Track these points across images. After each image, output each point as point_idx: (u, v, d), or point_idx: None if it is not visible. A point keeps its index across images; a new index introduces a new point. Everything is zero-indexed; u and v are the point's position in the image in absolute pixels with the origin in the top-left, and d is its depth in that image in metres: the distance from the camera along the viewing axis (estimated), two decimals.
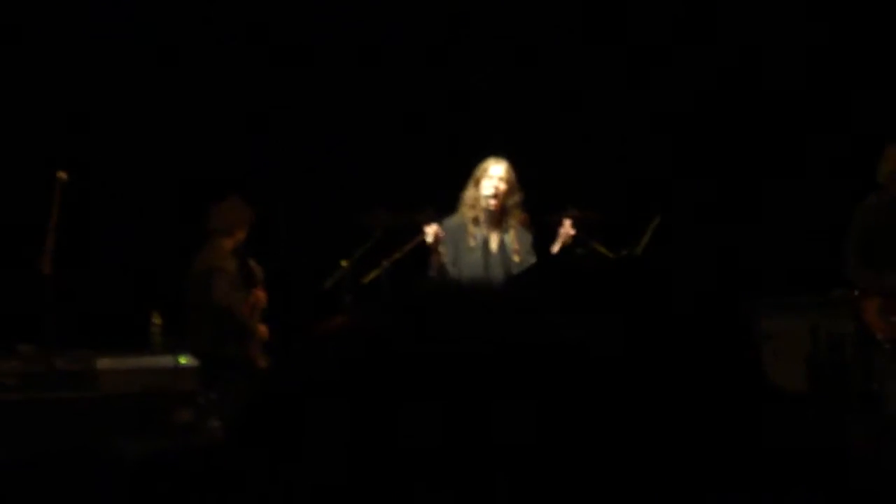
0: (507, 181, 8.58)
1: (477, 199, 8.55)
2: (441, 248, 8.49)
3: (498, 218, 8.57)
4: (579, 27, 11.88)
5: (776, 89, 11.71)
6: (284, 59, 11.67)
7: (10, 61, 11.20)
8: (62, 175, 8.97)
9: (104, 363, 9.62)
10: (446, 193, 8.95)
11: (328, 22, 11.74)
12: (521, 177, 8.84)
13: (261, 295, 9.59)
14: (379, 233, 9.53)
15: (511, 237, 8.64)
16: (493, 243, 8.62)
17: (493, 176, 8.56)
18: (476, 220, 8.59)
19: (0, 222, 10.96)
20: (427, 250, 8.83)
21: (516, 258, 8.57)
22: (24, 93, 11.24)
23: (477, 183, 8.62)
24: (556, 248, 8.67)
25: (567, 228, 8.65)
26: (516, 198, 8.64)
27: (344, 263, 9.56)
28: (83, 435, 9.38)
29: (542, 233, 8.98)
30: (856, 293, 8.81)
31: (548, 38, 11.82)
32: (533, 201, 9.02)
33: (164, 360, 9.74)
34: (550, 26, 11.83)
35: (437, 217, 9.01)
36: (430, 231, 8.45)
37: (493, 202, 8.49)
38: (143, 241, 11.22)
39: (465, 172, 8.78)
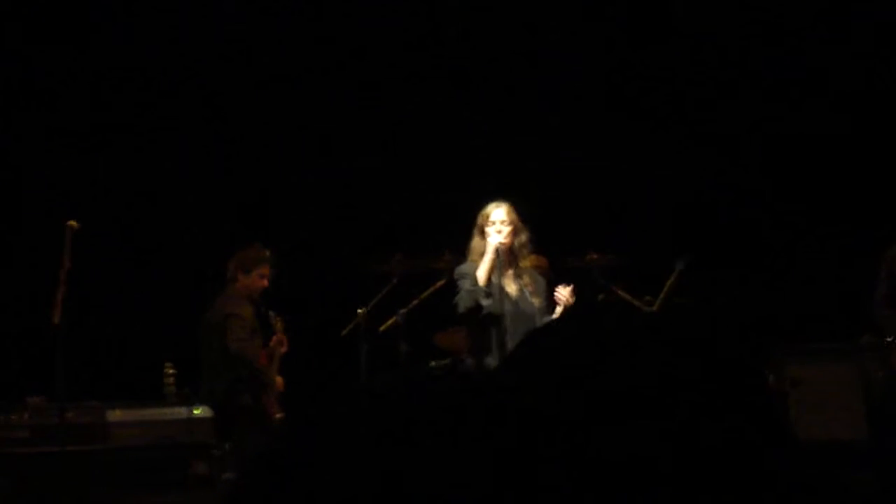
0: (511, 222, 8.43)
1: (485, 246, 8.41)
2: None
3: (508, 261, 8.42)
4: (600, 75, 11.76)
5: (801, 134, 11.56)
6: (299, 109, 11.57)
7: (27, 109, 11.13)
8: (73, 224, 8.81)
9: (115, 415, 9.49)
10: (462, 238, 8.79)
11: (342, 74, 11.67)
12: (541, 220, 8.70)
13: (282, 339, 9.39)
14: (395, 280, 9.40)
15: (526, 282, 8.47)
16: (510, 288, 8.45)
17: (496, 220, 8.42)
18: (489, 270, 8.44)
19: (10, 272, 10.84)
20: (442, 294, 8.72)
21: (536, 301, 8.40)
22: (35, 144, 11.16)
23: (481, 231, 8.48)
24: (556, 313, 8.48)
25: (567, 297, 8.46)
26: (523, 237, 8.49)
27: (360, 311, 9.42)
28: (95, 488, 9.24)
29: (561, 278, 8.81)
30: (888, 340, 8.59)
31: (570, 82, 11.69)
32: (553, 245, 8.87)
33: (178, 412, 9.59)
34: (570, 72, 11.71)
35: (456, 262, 8.86)
36: (493, 244, 8.30)
37: (501, 247, 8.35)
38: (156, 291, 11.09)
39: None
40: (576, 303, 8.51)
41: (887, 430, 9.31)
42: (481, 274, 8.37)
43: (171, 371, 9.84)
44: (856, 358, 9.88)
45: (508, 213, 8.46)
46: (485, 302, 8.37)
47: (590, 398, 1.95)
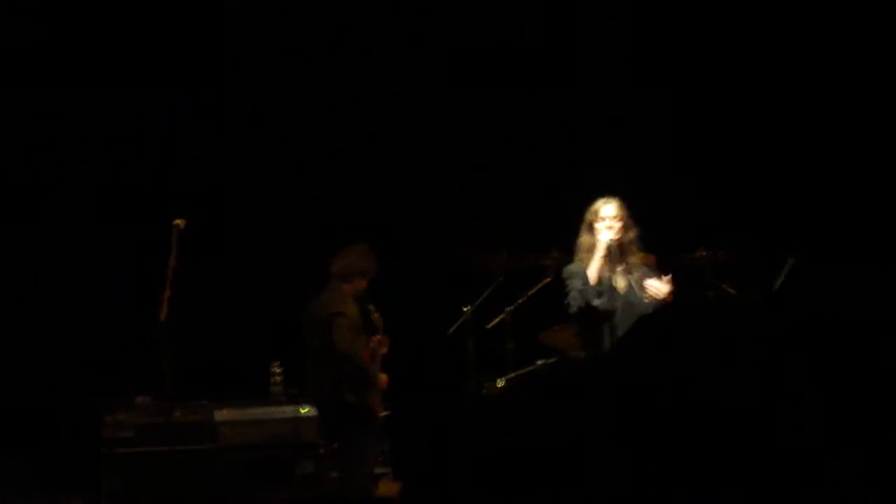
0: (621, 218, 8.36)
1: (593, 243, 8.32)
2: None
3: (618, 257, 8.33)
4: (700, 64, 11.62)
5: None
6: (401, 110, 11.57)
7: (119, 108, 11.21)
8: (179, 222, 8.84)
9: (223, 415, 9.48)
10: (569, 234, 8.72)
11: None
12: (650, 218, 8.61)
13: (383, 340, 9.38)
14: (502, 277, 9.33)
15: (637, 277, 8.38)
16: (620, 284, 8.37)
17: (606, 217, 8.35)
18: (599, 266, 8.36)
19: (117, 270, 10.91)
20: (548, 291, 8.67)
21: (646, 298, 8.30)
22: (138, 138, 11.24)
23: (590, 227, 8.42)
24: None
25: (663, 291, 8.31)
26: (632, 234, 8.44)
27: (467, 309, 9.37)
28: (202, 488, 9.27)
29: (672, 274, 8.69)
30: None
31: (673, 77, 11.57)
32: (662, 242, 8.77)
33: (285, 411, 9.57)
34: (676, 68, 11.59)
35: (562, 259, 8.79)
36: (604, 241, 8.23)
37: (612, 243, 8.26)
38: (262, 289, 11.11)
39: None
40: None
41: None
42: (592, 273, 8.32)
43: (278, 370, 9.81)
44: None
45: (618, 210, 8.42)
46: (596, 301, 8.32)
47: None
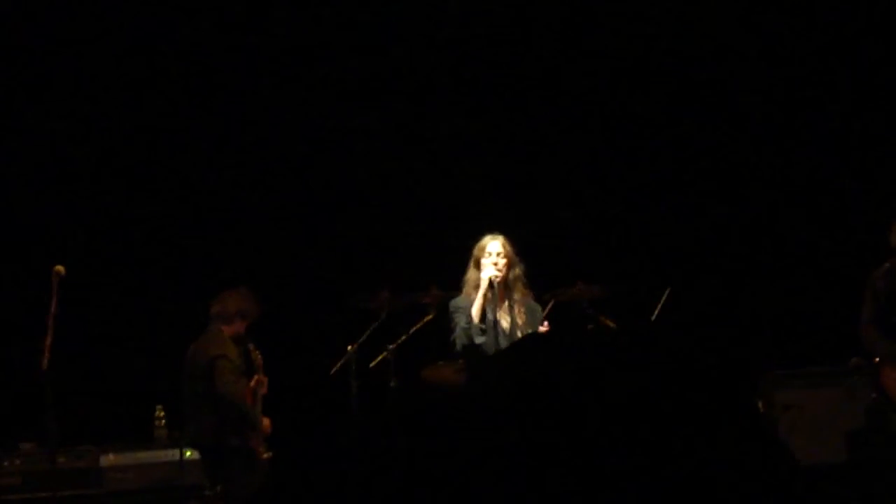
0: (506, 255, 8.48)
1: (479, 280, 8.44)
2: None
3: (503, 294, 8.44)
4: (578, 103, 11.79)
5: (787, 152, 11.61)
6: (276, 146, 11.59)
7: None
8: (59, 269, 8.80)
9: (108, 460, 9.48)
10: (449, 272, 8.82)
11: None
12: (526, 252, 8.73)
13: (262, 380, 9.35)
14: (383, 315, 9.41)
15: (519, 312, 8.50)
16: (504, 322, 8.47)
17: (492, 253, 8.47)
18: (484, 300, 8.46)
19: None
20: (429, 329, 8.75)
21: (518, 333, 8.42)
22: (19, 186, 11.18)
23: (477, 263, 8.52)
24: None
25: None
26: (517, 271, 8.54)
27: (350, 348, 9.43)
28: None
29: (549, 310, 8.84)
30: (875, 361, 8.55)
31: (549, 114, 11.72)
32: (540, 277, 8.89)
33: (170, 454, 9.58)
34: (550, 100, 11.75)
35: (443, 297, 8.90)
36: (487, 276, 8.32)
37: (496, 279, 8.37)
38: (142, 334, 11.05)
39: (467, 249, 8.66)
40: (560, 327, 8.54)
41: (874, 452, 9.32)
42: (475, 311, 8.42)
43: (161, 414, 9.83)
44: (844, 381, 9.89)
45: (504, 246, 8.53)
46: (479, 339, 8.41)
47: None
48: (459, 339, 8.48)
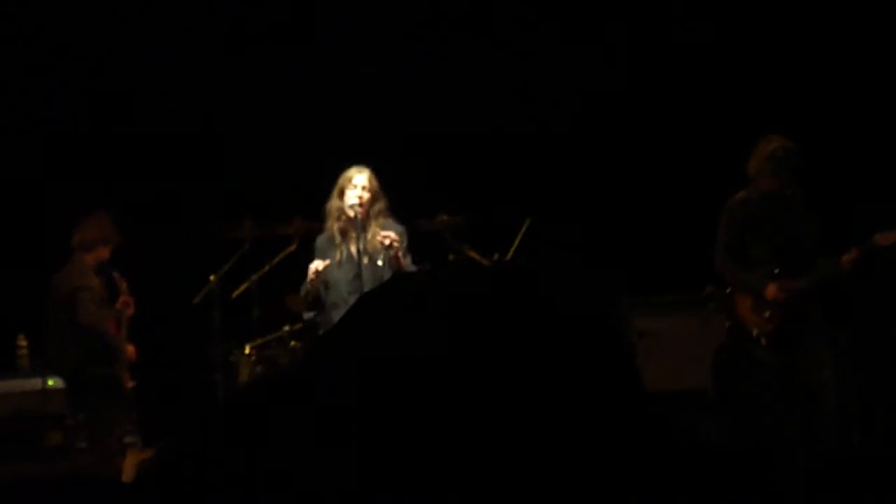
0: (371, 189, 8.49)
1: (342, 209, 8.45)
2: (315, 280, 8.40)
3: (363, 226, 8.46)
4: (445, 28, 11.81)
5: (644, 85, 11.71)
6: (146, 79, 11.50)
7: None
8: None
9: None
10: (313, 203, 8.83)
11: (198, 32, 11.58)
12: (389, 183, 8.75)
13: (128, 301, 9.32)
14: (247, 245, 9.44)
15: (372, 236, 8.45)
16: (364, 258, 8.50)
17: (357, 185, 8.47)
18: (343, 231, 8.48)
19: None
20: (294, 260, 8.78)
21: (379, 262, 8.42)
22: None
23: (341, 193, 8.52)
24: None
25: (392, 236, 8.53)
26: (380, 205, 8.54)
27: (212, 278, 9.45)
28: None
29: (412, 240, 8.86)
30: (728, 290, 8.69)
31: (416, 43, 11.73)
32: (402, 207, 8.93)
33: (32, 383, 9.54)
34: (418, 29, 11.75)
35: (306, 227, 8.93)
36: (313, 269, 8.34)
37: (358, 210, 8.40)
38: (3, 262, 10.93)
39: (331, 181, 8.67)
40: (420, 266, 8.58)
41: (732, 379, 9.49)
42: (336, 238, 8.43)
43: (23, 343, 9.78)
44: (699, 309, 10.05)
45: (370, 180, 8.52)
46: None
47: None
48: (305, 296, 8.54)
